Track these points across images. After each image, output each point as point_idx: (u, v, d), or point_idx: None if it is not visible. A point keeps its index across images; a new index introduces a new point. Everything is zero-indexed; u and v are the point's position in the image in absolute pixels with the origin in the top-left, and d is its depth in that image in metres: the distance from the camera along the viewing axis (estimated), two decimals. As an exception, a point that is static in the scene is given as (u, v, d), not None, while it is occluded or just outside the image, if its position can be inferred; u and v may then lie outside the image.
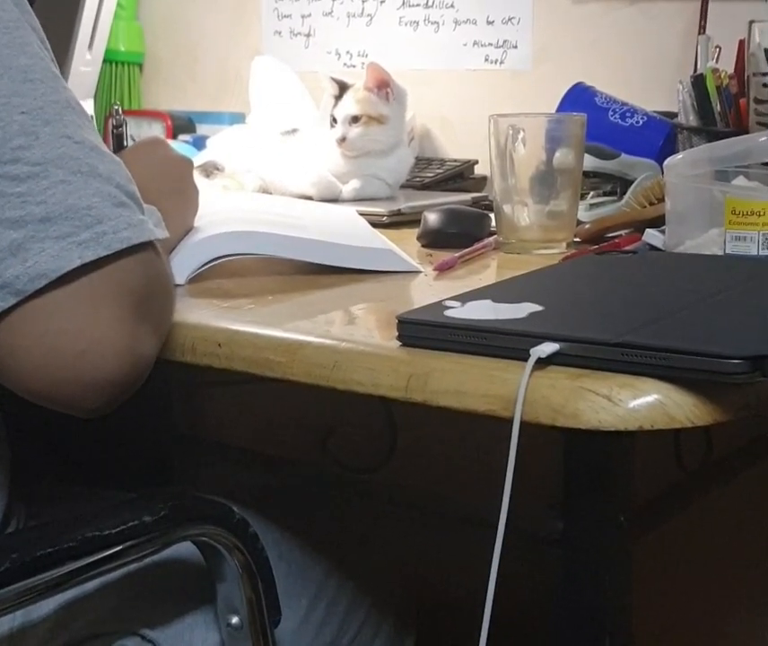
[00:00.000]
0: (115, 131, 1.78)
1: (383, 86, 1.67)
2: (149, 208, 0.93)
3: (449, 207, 1.43)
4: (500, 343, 0.82)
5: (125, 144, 1.79)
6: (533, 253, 1.32)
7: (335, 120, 1.67)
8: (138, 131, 2.12)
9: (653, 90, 1.73)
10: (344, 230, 1.32)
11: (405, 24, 2.02)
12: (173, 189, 1.16)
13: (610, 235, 1.37)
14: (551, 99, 1.64)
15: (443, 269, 1.21)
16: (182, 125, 2.16)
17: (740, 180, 1.23)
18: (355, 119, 1.66)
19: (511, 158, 1.32)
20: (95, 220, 0.84)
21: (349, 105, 1.66)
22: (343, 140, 1.65)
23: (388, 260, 1.20)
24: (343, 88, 1.68)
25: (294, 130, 1.74)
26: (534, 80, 1.89)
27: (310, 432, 1.63)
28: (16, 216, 0.83)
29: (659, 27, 1.76)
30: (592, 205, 1.48)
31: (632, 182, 1.46)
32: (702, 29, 1.67)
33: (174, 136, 2.10)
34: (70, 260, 0.83)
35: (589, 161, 1.43)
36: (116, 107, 1.82)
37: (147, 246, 0.88)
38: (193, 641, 1.04)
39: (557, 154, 1.33)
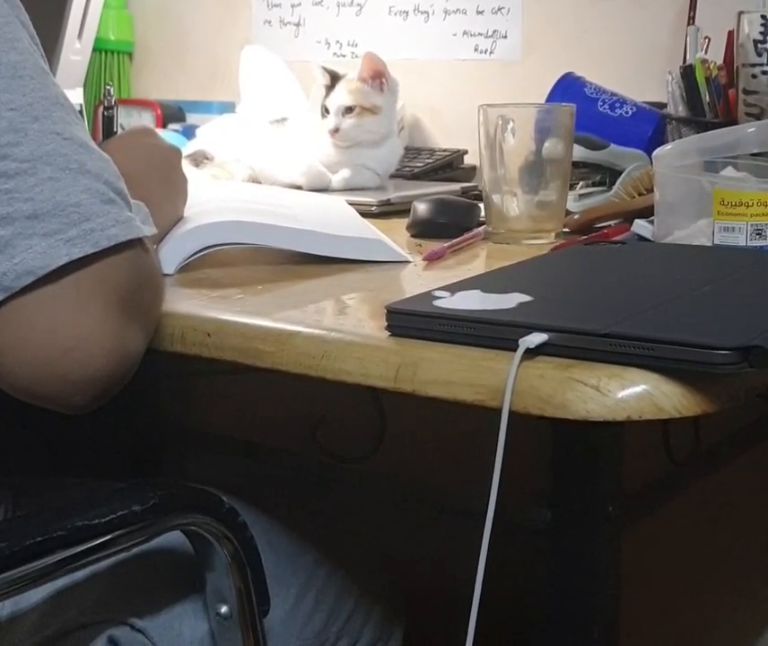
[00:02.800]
0: (105, 113, 1.77)
1: (378, 76, 1.67)
2: (136, 204, 0.93)
3: (439, 197, 1.43)
4: (488, 333, 0.82)
5: (114, 128, 1.79)
6: (522, 243, 1.32)
7: (326, 110, 1.66)
8: (128, 120, 2.12)
9: (642, 80, 1.73)
10: (334, 219, 1.31)
11: (395, 14, 2.02)
12: (162, 178, 1.16)
13: (599, 225, 1.37)
14: (540, 89, 1.64)
15: (432, 259, 1.21)
16: (172, 114, 2.15)
17: (729, 171, 1.23)
18: (349, 110, 1.65)
19: (501, 148, 1.32)
20: (83, 217, 0.84)
21: (342, 95, 1.66)
22: (336, 131, 1.65)
23: (378, 250, 1.20)
24: (334, 78, 1.68)
25: (284, 118, 1.74)
26: (523, 70, 1.89)
27: (300, 421, 1.63)
28: (4, 213, 0.83)
29: (649, 17, 1.76)
30: (581, 196, 1.48)
31: (621, 172, 1.47)
32: (691, 19, 1.67)
33: (164, 125, 2.10)
34: (57, 257, 0.83)
35: (579, 152, 1.43)
36: (108, 87, 1.82)
37: (135, 243, 0.88)
38: (182, 631, 1.04)
39: (546, 144, 1.33)
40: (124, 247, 0.87)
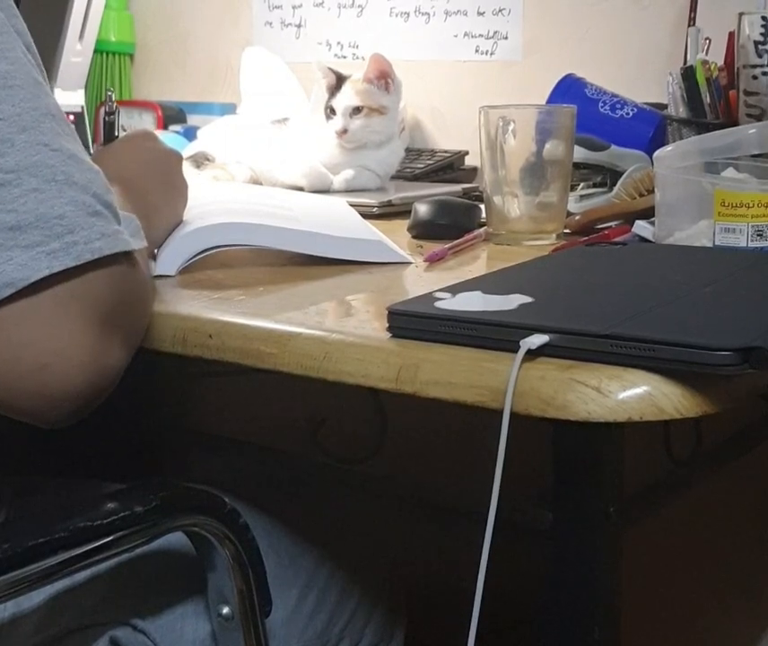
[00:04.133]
0: (107, 118, 1.77)
1: (383, 77, 1.67)
2: (127, 217, 0.92)
3: (440, 198, 1.43)
4: (490, 334, 0.82)
5: (116, 133, 1.79)
6: (523, 244, 1.33)
7: (332, 111, 1.66)
8: (129, 121, 2.12)
9: (643, 81, 1.73)
10: (335, 221, 1.32)
11: (396, 15, 2.02)
12: (162, 182, 1.16)
13: (600, 226, 1.37)
14: (541, 90, 1.64)
15: (433, 260, 1.21)
16: (173, 115, 2.15)
17: (730, 172, 1.24)
18: (356, 111, 1.65)
19: (502, 149, 1.32)
20: (66, 229, 0.83)
21: (350, 96, 1.66)
22: (344, 132, 1.65)
23: (379, 251, 1.20)
24: (340, 79, 1.68)
25: (285, 120, 1.74)
26: (524, 71, 1.89)
27: (301, 422, 1.63)
28: None
29: (650, 18, 1.76)
30: (582, 197, 1.48)
31: (621, 174, 1.47)
32: (692, 20, 1.67)
33: (165, 127, 2.10)
34: (38, 270, 0.81)
35: (579, 153, 1.43)
36: (109, 92, 1.82)
37: (120, 257, 0.87)
38: (184, 632, 1.04)
39: (547, 146, 1.33)
40: (108, 261, 0.85)
